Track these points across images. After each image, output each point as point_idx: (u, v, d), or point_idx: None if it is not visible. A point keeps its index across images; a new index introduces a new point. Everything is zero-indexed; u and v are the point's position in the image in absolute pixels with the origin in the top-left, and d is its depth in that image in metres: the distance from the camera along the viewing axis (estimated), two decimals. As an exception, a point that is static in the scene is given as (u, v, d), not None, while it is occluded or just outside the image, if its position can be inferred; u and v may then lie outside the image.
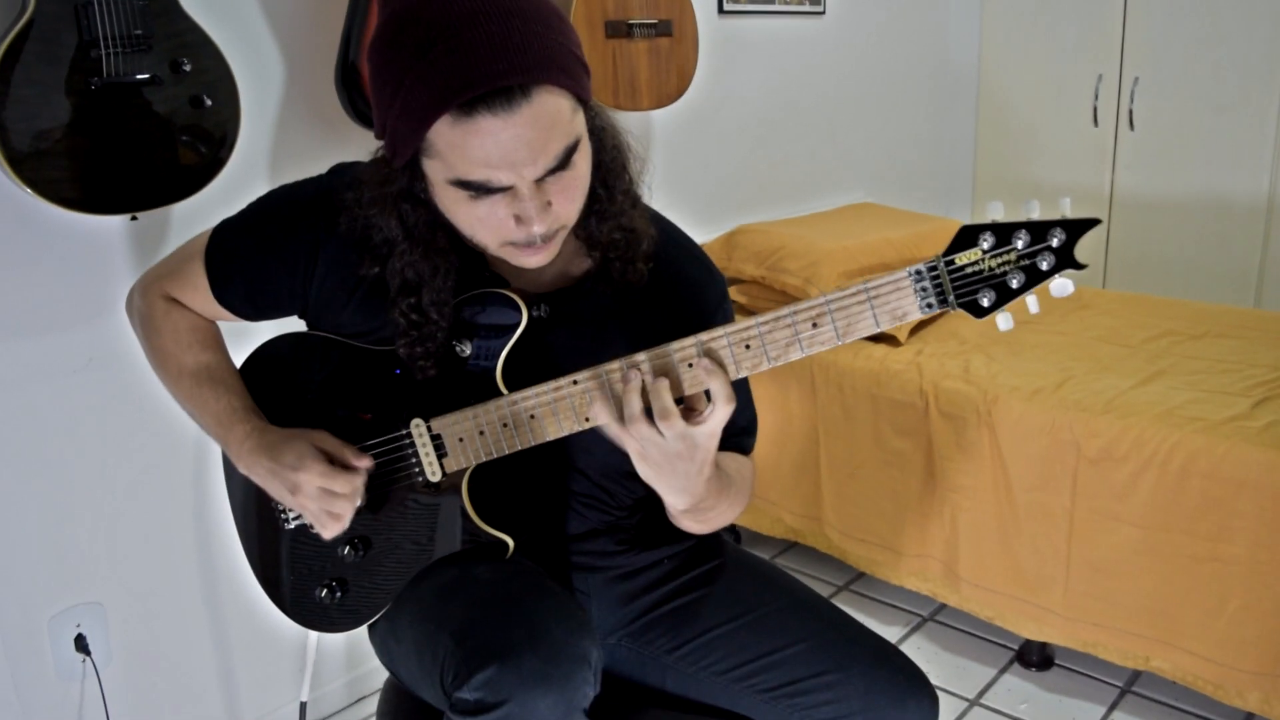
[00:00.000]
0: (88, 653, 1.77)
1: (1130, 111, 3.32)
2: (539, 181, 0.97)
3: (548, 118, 0.94)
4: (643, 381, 0.98)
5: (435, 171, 0.99)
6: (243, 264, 1.19)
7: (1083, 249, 0.92)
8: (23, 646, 1.72)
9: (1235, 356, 2.21)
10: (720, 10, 2.70)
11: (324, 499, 1.10)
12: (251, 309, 1.22)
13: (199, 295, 1.22)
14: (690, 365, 0.99)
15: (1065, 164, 3.49)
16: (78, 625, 1.76)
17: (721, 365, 0.98)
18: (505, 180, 0.96)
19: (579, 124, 0.99)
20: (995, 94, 3.63)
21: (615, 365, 1.01)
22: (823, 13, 3.03)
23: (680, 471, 1.00)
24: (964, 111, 3.68)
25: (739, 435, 1.25)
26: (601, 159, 1.07)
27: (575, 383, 1.04)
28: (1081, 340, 2.38)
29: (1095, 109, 3.39)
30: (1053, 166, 3.53)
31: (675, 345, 0.99)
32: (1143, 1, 3.24)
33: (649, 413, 0.98)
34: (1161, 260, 3.35)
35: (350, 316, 1.16)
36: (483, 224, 1.00)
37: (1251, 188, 3.14)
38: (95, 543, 1.78)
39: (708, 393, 1.00)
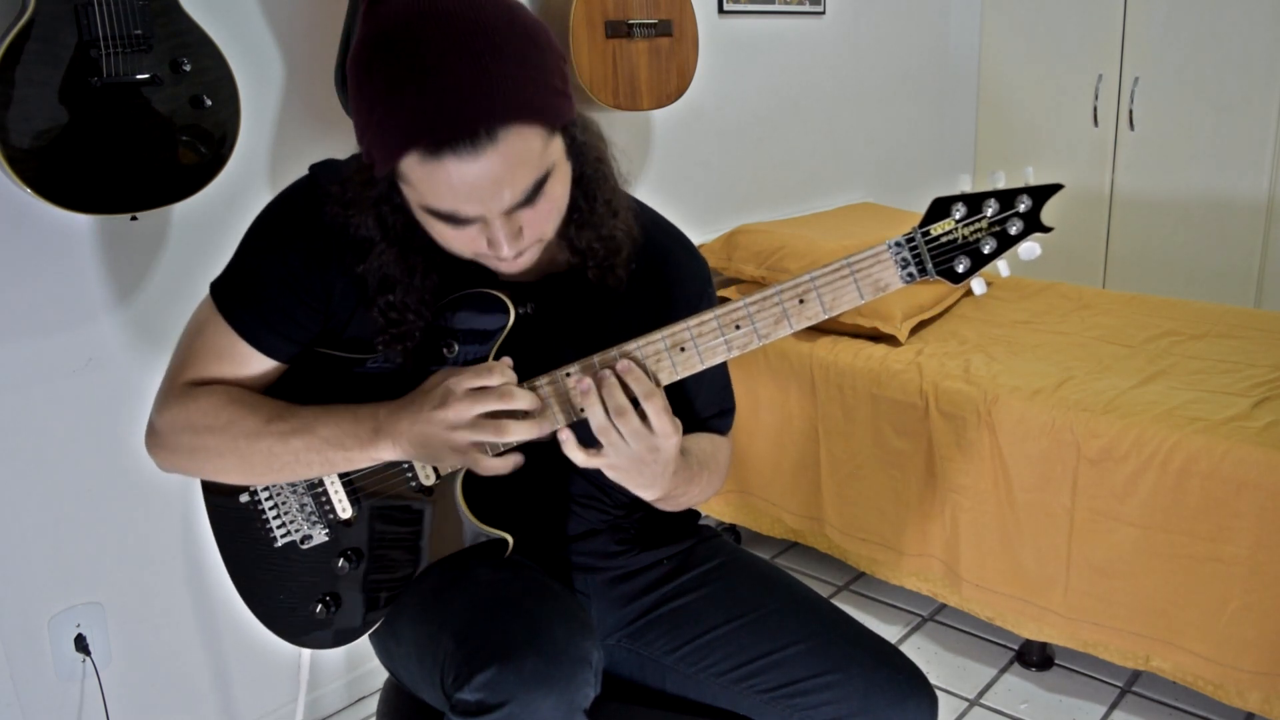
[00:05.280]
0: (88, 653, 1.77)
1: (1130, 111, 3.32)
2: (509, 212, 0.97)
3: (515, 156, 0.93)
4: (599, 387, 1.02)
5: (409, 194, 0.99)
6: (263, 299, 1.11)
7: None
8: (23, 646, 1.72)
9: (1235, 356, 2.22)
10: (720, 10, 2.70)
11: (480, 399, 1.02)
12: (287, 342, 1.14)
13: (225, 361, 1.13)
14: (662, 355, 1.04)
15: (1065, 164, 3.49)
16: (78, 625, 1.76)
17: (640, 365, 1.04)
18: (473, 213, 0.97)
19: (552, 153, 0.98)
20: (995, 94, 3.63)
21: (611, 354, 1.04)
22: (823, 13, 3.03)
23: (646, 473, 1.05)
24: (964, 111, 3.68)
25: (714, 418, 1.28)
26: (584, 172, 1.07)
27: (569, 374, 1.06)
28: (1082, 340, 2.38)
29: (1095, 109, 3.39)
30: (1053, 166, 3.53)
31: (646, 338, 1.04)
32: (1143, 1, 3.24)
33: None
34: (1161, 260, 3.35)
35: (358, 315, 1.15)
36: (456, 241, 1.01)
37: (1251, 188, 3.14)
38: (95, 543, 1.78)
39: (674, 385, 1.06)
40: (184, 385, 1.14)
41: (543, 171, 0.97)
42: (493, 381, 1.04)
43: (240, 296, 1.13)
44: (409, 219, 1.05)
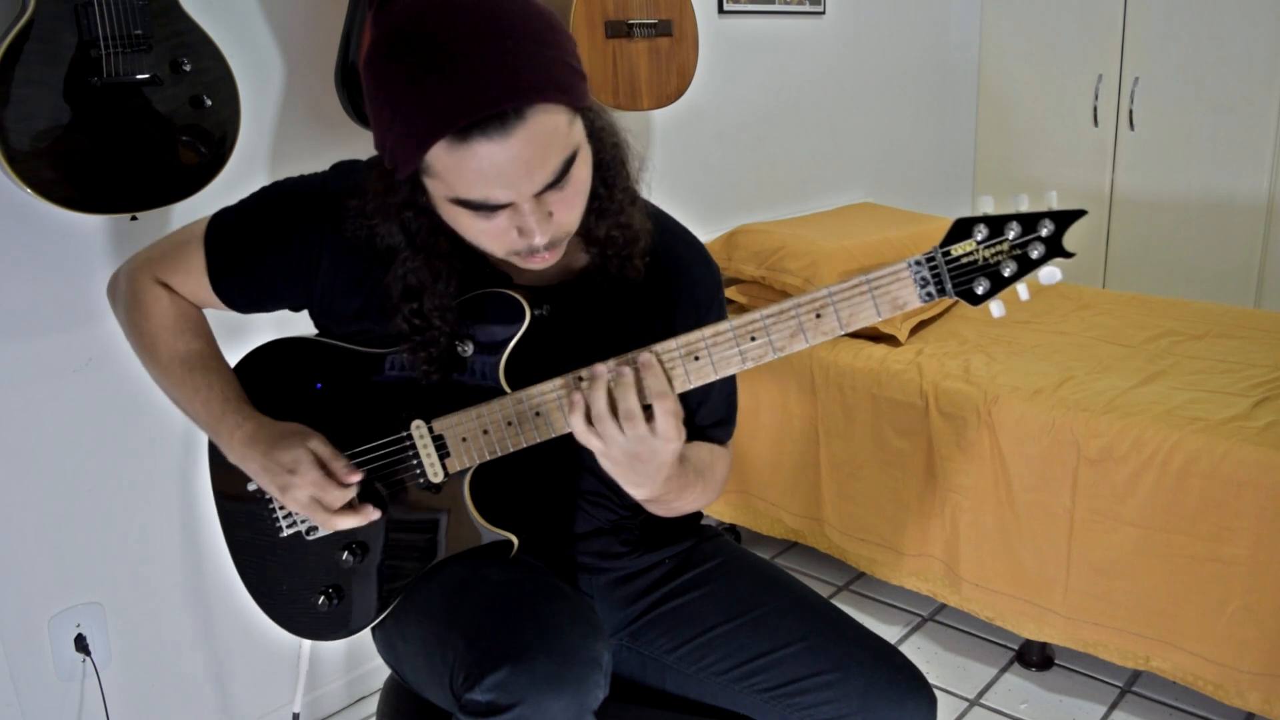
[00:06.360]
0: (88, 653, 1.77)
1: (1130, 111, 3.32)
2: (539, 195, 0.97)
3: (544, 135, 0.94)
4: (608, 382, 1.01)
5: (436, 189, 0.99)
6: (244, 253, 1.18)
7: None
8: (23, 646, 1.72)
9: (1235, 356, 2.22)
10: (720, 10, 2.70)
11: (314, 507, 1.11)
12: (247, 300, 1.21)
13: (191, 281, 1.21)
14: (676, 363, 1.02)
15: (1065, 164, 3.49)
16: (78, 625, 1.76)
17: (663, 368, 1.02)
18: (504, 198, 0.96)
19: (576, 133, 0.99)
20: (995, 94, 3.63)
21: (628, 358, 1.03)
22: (823, 13, 3.03)
23: (639, 470, 1.04)
24: (964, 111, 3.68)
25: (713, 426, 1.27)
26: (602, 158, 1.07)
27: (581, 379, 1.05)
28: (1082, 340, 2.38)
29: (1095, 109, 3.39)
30: (1053, 166, 3.53)
31: (662, 346, 1.02)
32: (1143, 1, 3.24)
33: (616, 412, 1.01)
34: (1161, 260, 3.35)
35: (363, 317, 1.16)
36: (486, 235, 1.01)
37: (1251, 188, 3.14)
38: (95, 543, 1.78)
39: (686, 394, 1.05)
40: (156, 275, 1.23)
41: (569, 151, 0.97)
42: (332, 502, 1.11)
43: (229, 236, 1.18)
44: (433, 223, 1.06)
